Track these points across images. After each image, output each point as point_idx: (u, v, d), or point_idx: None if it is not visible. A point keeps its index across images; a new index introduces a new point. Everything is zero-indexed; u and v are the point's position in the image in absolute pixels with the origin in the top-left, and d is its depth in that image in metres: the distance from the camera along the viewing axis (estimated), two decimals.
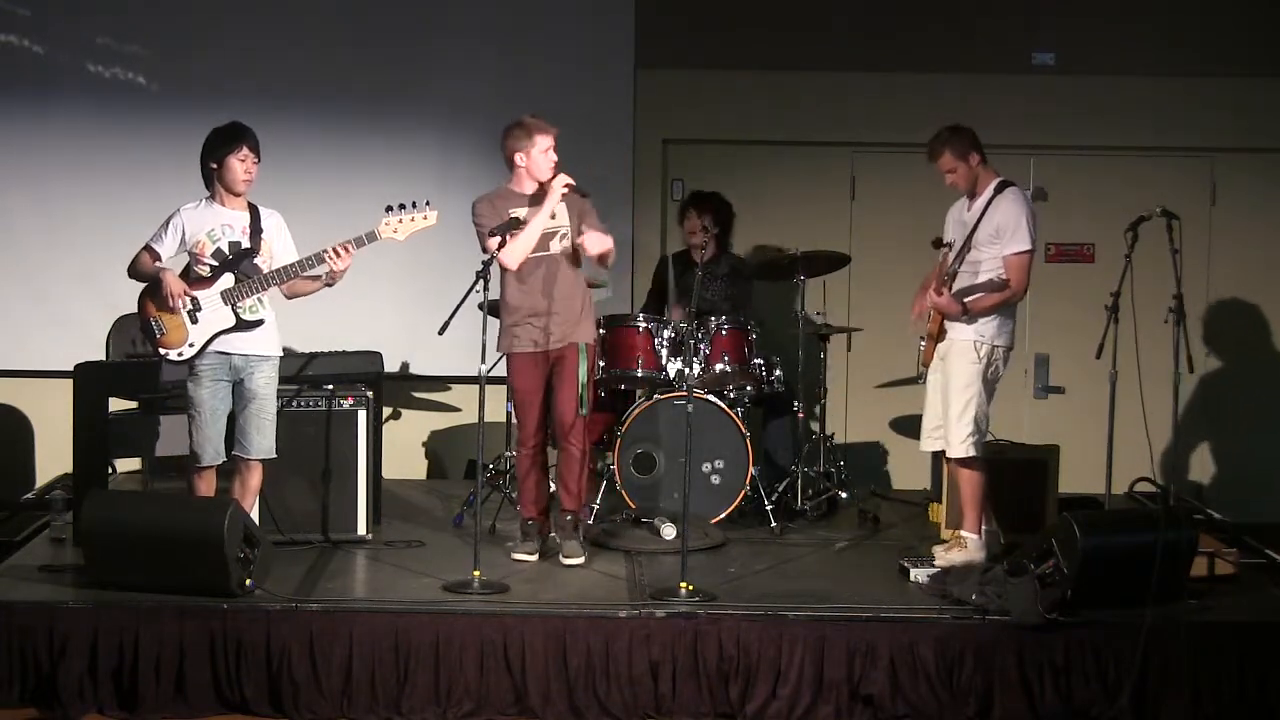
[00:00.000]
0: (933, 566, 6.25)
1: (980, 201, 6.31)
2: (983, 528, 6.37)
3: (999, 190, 6.29)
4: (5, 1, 8.26)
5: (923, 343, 6.50)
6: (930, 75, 8.44)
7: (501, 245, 6.11)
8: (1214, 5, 8.48)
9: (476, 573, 5.91)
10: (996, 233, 6.24)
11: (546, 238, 6.29)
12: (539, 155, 6.25)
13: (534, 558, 6.43)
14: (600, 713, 5.57)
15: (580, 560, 6.39)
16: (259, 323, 6.05)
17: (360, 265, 7.99)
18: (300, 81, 8.33)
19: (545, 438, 6.54)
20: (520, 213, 6.25)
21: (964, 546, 6.32)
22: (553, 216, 6.27)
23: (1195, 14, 8.47)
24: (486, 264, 6.04)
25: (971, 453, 6.27)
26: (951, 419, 6.29)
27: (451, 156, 8.39)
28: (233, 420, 6.09)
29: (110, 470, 7.16)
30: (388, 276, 8.27)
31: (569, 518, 6.49)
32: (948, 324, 6.33)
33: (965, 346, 6.27)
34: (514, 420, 7.53)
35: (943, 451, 6.47)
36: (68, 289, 8.21)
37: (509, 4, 8.42)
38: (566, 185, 6.21)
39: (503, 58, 8.38)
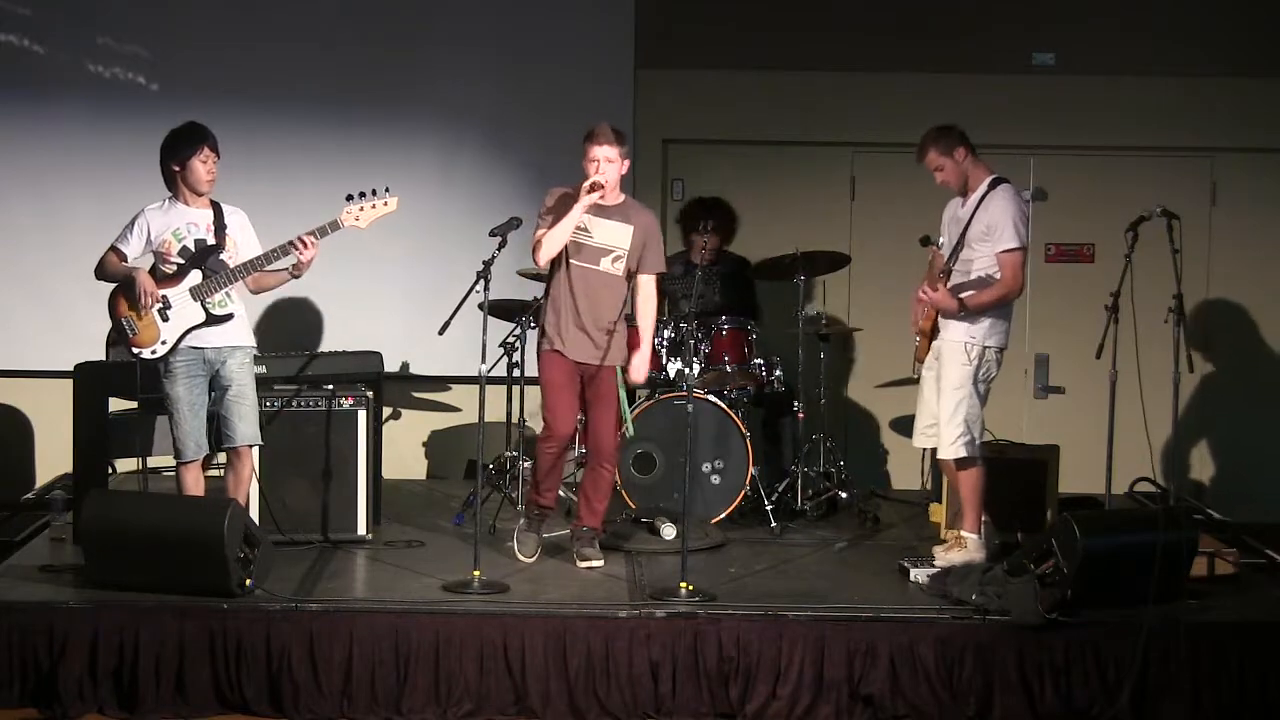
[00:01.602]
0: (933, 566, 6.25)
1: (973, 199, 6.32)
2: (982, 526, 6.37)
3: (991, 187, 6.30)
4: (5, 1, 8.27)
5: (917, 338, 6.52)
6: (930, 75, 8.44)
7: (502, 245, 6.10)
8: (1214, 5, 8.48)
9: (476, 573, 5.91)
10: (987, 230, 6.24)
11: (598, 253, 6.27)
12: (587, 165, 6.22)
13: (533, 559, 6.42)
14: (600, 713, 5.57)
15: (599, 563, 6.39)
16: (228, 317, 6.10)
17: (360, 266, 8.05)
18: (301, 82, 8.33)
19: (573, 436, 6.53)
20: (600, 224, 6.25)
21: (964, 546, 6.32)
22: (582, 228, 6.21)
23: (1195, 14, 8.47)
24: (487, 264, 6.04)
25: (962, 453, 6.26)
26: (943, 419, 6.29)
27: (453, 156, 8.39)
28: (216, 415, 6.11)
29: (110, 470, 7.15)
30: (387, 276, 8.28)
31: (586, 530, 6.49)
32: (941, 323, 6.34)
33: (956, 348, 6.27)
34: (514, 420, 7.57)
35: (935, 449, 6.49)
36: (68, 289, 8.19)
37: (509, 4, 8.42)
38: (592, 185, 6.15)
39: (503, 58, 8.38)
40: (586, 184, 6.17)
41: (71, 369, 6.82)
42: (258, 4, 8.36)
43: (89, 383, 6.75)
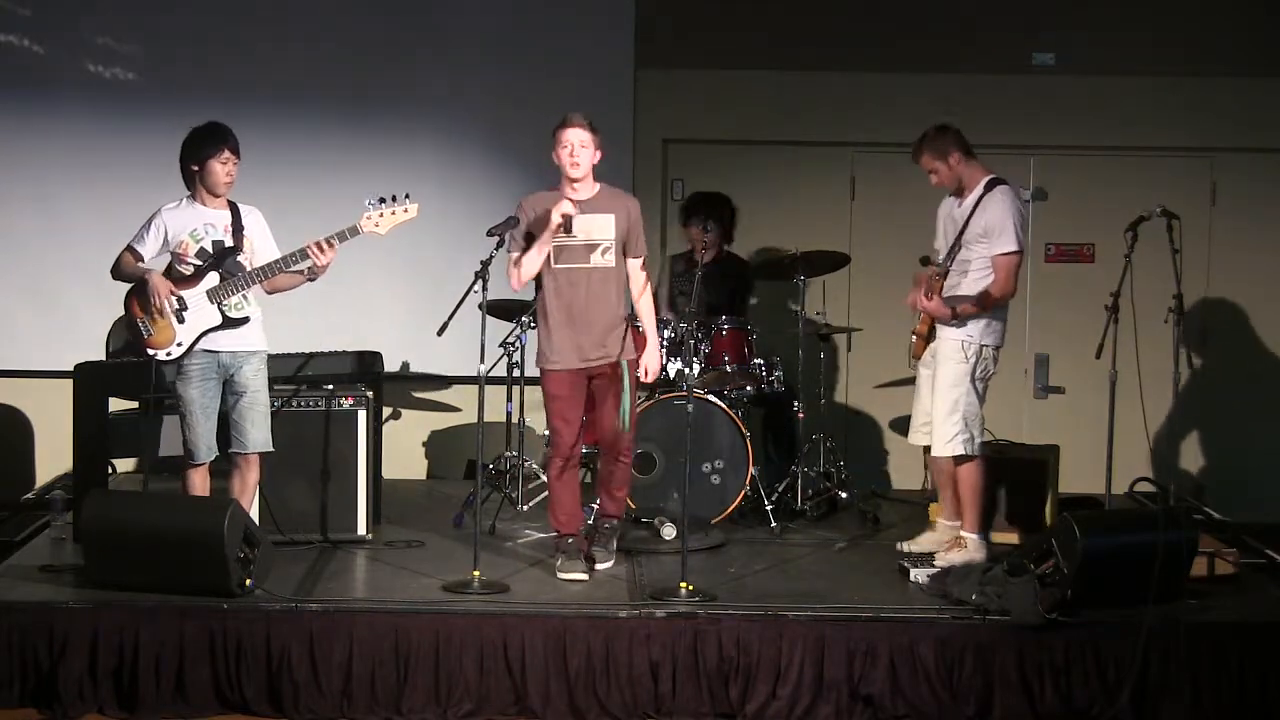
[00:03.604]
0: (933, 566, 6.25)
1: (970, 199, 6.34)
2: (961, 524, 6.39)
3: (989, 189, 6.32)
4: (5, 1, 8.27)
5: (914, 338, 6.54)
6: (930, 75, 8.45)
7: (501, 244, 6.06)
8: (1214, 5, 8.48)
9: (476, 573, 5.91)
10: (985, 232, 6.27)
11: (586, 250, 6.16)
12: (560, 151, 6.12)
13: (586, 577, 6.20)
14: (600, 713, 5.57)
15: (609, 564, 6.36)
16: (245, 320, 6.07)
17: (360, 266, 8.06)
18: (300, 82, 8.33)
19: (580, 452, 6.40)
20: (581, 219, 6.14)
21: (964, 546, 6.32)
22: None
23: (1196, 14, 8.47)
24: (485, 264, 6.03)
25: (960, 451, 6.28)
26: (939, 417, 6.32)
27: (453, 157, 8.39)
28: (227, 417, 6.09)
29: (110, 470, 7.15)
30: (387, 277, 8.28)
31: (607, 525, 6.45)
32: (938, 323, 6.37)
33: (953, 346, 6.30)
34: (514, 420, 7.57)
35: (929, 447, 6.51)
36: (68, 289, 8.22)
37: (510, 4, 8.43)
38: (563, 216, 6.04)
39: (503, 58, 8.38)
40: (557, 215, 6.03)
41: (71, 369, 6.82)
42: (257, 5, 8.37)
43: (89, 383, 6.75)
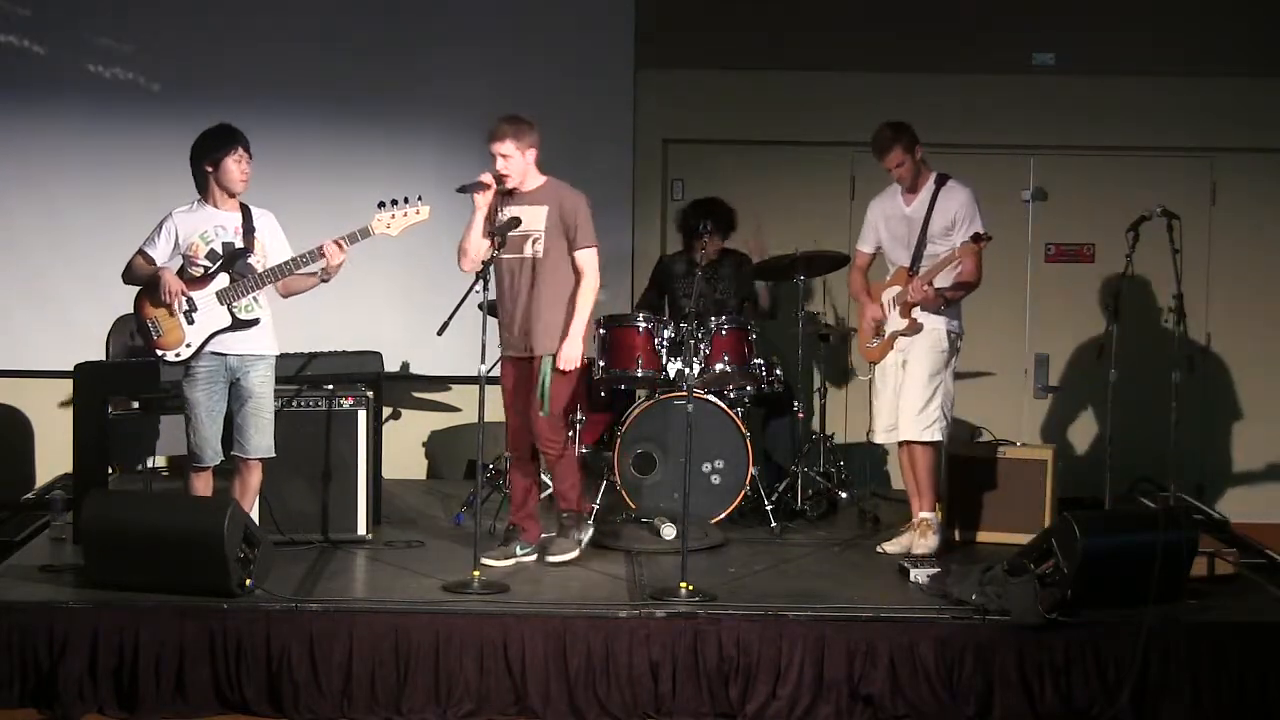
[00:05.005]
0: (933, 567, 6.26)
1: (924, 195, 6.46)
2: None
3: (941, 183, 6.40)
4: (5, 1, 8.27)
5: (875, 341, 6.56)
6: (930, 75, 8.44)
7: (501, 244, 6.10)
8: (1214, 5, 8.48)
9: (476, 573, 5.91)
10: (953, 224, 6.35)
11: (518, 241, 6.25)
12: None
13: (497, 564, 6.26)
14: (600, 713, 5.56)
15: (563, 557, 6.35)
16: (255, 322, 6.06)
17: (360, 265, 8.01)
18: (300, 82, 8.34)
19: (526, 448, 6.44)
20: (514, 210, 6.25)
21: (930, 526, 6.42)
22: (518, 221, 6.21)
23: (1195, 14, 8.47)
24: (486, 264, 6.04)
25: (938, 437, 6.45)
26: (916, 405, 6.43)
27: (451, 157, 8.36)
28: (231, 420, 6.08)
29: (110, 470, 7.15)
30: (387, 276, 8.29)
31: (564, 516, 6.48)
32: (921, 316, 6.40)
33: (938, 336, 6.45)
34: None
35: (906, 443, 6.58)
36: (68, 289, 8.22)
37: (509, 4, 8.43)
38: (479, 181, 6.21)
39: (503, 57, 8.39)
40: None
41: (71, 369, 6.82)
42: (257, 5, 8.37)
43: (89, 383, 6.74)
